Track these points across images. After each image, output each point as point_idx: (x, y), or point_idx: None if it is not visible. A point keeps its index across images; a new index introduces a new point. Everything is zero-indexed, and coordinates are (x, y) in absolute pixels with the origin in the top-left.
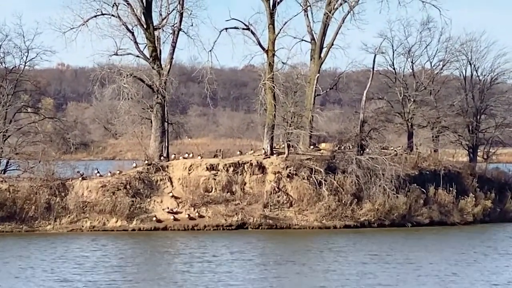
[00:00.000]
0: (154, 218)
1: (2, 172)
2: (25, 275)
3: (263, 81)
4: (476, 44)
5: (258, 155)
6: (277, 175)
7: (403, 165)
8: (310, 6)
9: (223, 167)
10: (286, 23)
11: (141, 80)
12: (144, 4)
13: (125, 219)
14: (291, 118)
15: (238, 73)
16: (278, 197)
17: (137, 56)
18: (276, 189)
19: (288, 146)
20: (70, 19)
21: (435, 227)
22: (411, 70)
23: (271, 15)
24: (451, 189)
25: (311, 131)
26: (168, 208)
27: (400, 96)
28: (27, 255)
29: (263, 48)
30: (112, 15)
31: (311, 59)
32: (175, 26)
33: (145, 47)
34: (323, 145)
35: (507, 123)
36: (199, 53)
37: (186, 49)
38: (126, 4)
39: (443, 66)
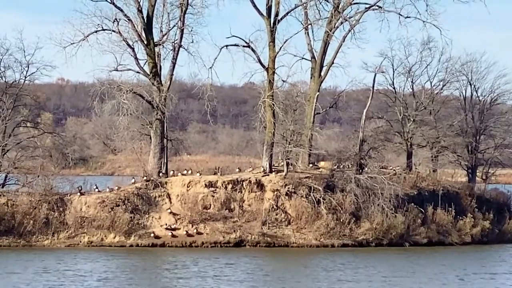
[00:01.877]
0: (152, 234)
1: (1, 186)
2: None
3: (263, 98)
4: (476, 65)
5: (257, 173)
6: (275, 193)
7: (402, 185)
8: (310, 24)
9: (222, 184)
10: (286, 41)
11: (140, 96)
12: (145, 20)
13: (123, 235)
14: (291, 136)
15: (238, 91)
16: (277, 215)
17: (137, 72)
18: (275, 207)
19: (287, 164)
20: (71, 34)
21: (433, 247)
22: (411, 90)
23: (272, 33)
24: (449, 209)
25: (310, 150)
26: (166, 224)
27: (400, 115)
28: (22, 269)
29: (263, 66)
30: (113, 31)
31: (311, 77)
32: (175, 42)
33: (145, 63)
34: (322, 164)
35: (506, 144)
36: (199, 70)
37: (186, 65)
38: (127, 20)
39: (443, 86)
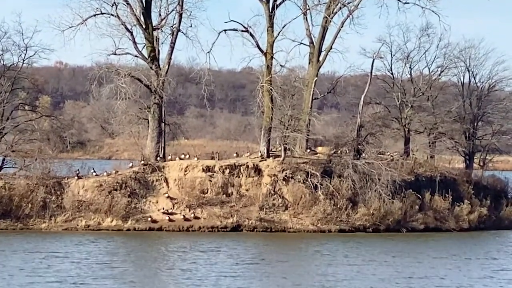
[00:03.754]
0: (149, 219)
1: None
2: (15, 272)
3: (261, 83)
4: (474, 51)
5: (255, 158)
6: (273, 178)
7: (399, 171)
8: (309, 9)
9: (219, 169)
10: (285, 26)
11: (139, 80)
12: (144, 4)
13: (120, 219)
14: (288, 121)
15: (236, 75)
16: (274, 200)
17: (136, 56)
18: (272, 192)
19: (285, 149)
20: (69, 18)
21: (430, 233)
22: (409, 76)
23: (270, 17)
24: (446, 195)
25: (308, 135)
26: (163, 208)
27: (398, 101)
28: (20, 252)
29: (261, 51)
30: (111, 15)
31: (309, 63)
32: (174, 26)
33: (143, 47)
34: (319, 149)
35: (504, 131)
36: (197, 54)
37: (185, 50)
38: (126, 4)
39: (441, 72)
